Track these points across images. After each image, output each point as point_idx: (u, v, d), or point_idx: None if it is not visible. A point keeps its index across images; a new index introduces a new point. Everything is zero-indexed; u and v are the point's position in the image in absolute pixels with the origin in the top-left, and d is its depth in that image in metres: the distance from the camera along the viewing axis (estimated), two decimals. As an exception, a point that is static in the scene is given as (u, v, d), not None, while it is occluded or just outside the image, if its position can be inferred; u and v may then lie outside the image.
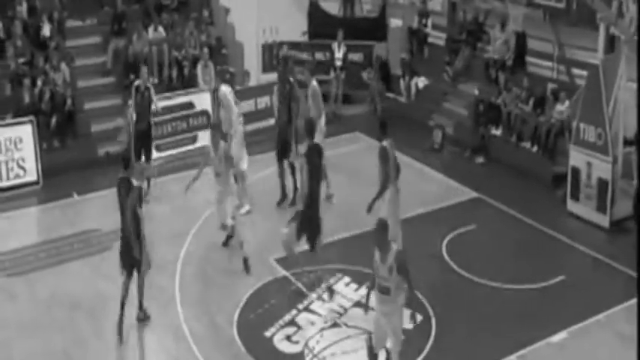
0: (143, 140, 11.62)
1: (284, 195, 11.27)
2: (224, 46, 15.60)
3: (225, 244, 10.02)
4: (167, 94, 13.34)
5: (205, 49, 14.45)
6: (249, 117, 13.66)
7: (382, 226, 6.80)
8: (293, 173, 11.03)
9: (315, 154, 8.83)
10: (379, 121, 9.74)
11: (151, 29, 14.57)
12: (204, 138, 12.52)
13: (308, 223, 8.72)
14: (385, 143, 9.04)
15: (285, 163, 11.17)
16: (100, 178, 11.80)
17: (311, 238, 8.78)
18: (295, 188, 10.82)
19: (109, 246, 9.84)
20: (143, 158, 11.63)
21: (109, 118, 13.30)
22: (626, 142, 10.81)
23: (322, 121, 11.24)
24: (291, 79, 11.24)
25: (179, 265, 9.73)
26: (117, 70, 14.31)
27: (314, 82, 11.18)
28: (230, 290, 9.12)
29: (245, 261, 9.43)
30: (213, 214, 10.18)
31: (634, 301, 8.77)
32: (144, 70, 11.82)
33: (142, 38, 14.42)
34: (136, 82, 11.54)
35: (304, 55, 16.08)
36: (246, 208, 10.65)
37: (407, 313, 7.01)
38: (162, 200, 11.35)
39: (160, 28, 14.63)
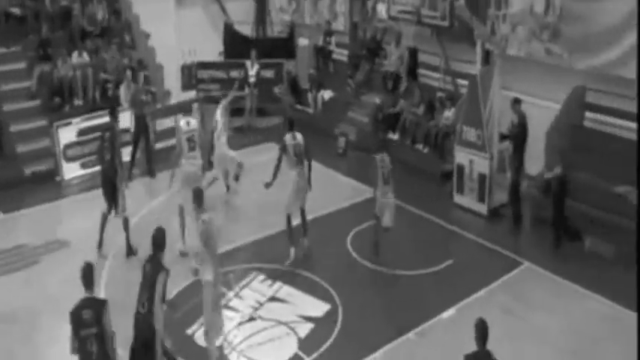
0: None
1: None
2: (145, 67, 15.37)
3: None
4: (91, 115, 13.01)
5: (128, 71, 14.21)
6: (170, 134, 13.51)
7: None
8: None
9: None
10: (288, 119, 10.30)
11: (75, 54, 14.19)
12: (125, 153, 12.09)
13: None
14: (286, 137, 9.66)
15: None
16: (26, 197, 11.55)
17: None
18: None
19: (37, 260, 9.58)
20: None
21: (34, 139, 12.93)
22: (502, 137, 11.22)
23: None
24: (116, 126, 10.37)
25: (106, 264, 9.56)
26: (42, 93, 13.87)
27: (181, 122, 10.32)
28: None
29: None
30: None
31: (507, 276, 9.40)
32: None
33: (66, 63, 14.04)
34: None
35: (219, 74, 16.11)
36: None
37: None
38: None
39: (84, 54, 14.28)
